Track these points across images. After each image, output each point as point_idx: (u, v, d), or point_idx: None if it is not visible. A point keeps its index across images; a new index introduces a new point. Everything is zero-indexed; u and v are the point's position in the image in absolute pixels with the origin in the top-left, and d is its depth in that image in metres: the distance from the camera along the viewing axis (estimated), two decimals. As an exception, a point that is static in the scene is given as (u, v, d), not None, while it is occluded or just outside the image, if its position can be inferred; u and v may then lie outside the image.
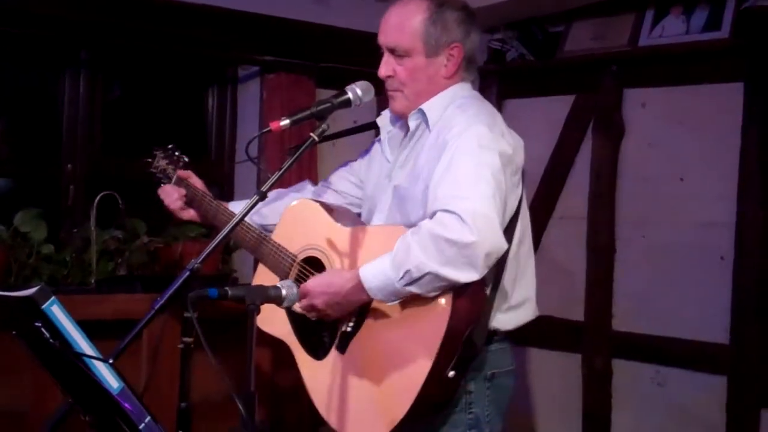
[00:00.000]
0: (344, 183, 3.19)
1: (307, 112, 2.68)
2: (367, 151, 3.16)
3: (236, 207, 3.12)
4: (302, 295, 2.64)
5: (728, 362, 4.10)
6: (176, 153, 3.39)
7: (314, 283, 2.69)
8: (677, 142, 4.35)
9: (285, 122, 2.66)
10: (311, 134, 2.63)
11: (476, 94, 2.91)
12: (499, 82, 5.03)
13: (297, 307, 2.71)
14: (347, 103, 2.75)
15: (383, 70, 2.83)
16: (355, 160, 3.20)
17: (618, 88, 4.57)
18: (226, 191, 4.64)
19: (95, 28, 4.18)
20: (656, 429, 4.40)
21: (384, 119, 2.99)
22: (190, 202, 3.29)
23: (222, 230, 2.56)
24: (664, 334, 4.36)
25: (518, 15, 4.88)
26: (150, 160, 3.42)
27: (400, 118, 2.92)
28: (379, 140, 3.02)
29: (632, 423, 4.51)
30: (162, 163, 3.39)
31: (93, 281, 3.95)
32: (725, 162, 4.12)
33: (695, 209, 4.27)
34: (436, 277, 2.47)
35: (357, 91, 2.76)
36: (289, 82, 4.54)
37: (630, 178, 4.55)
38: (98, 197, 3.99)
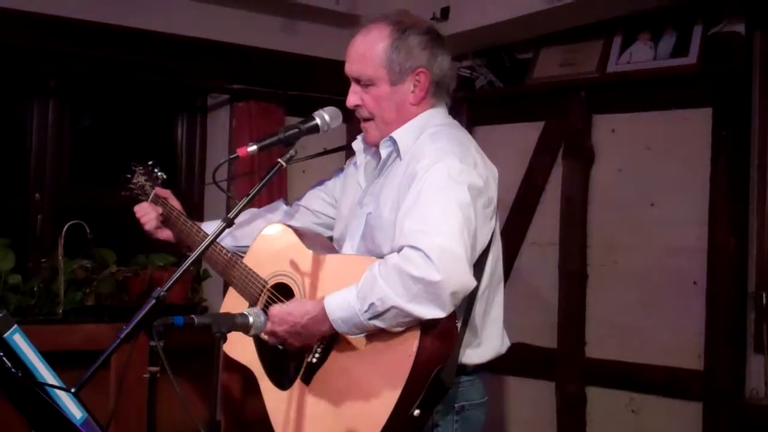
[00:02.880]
0: (318, 202, 3.11)
1: (275, 138, 2.68)
2: (341, 170, 3.09)
3: (211, 228, 3.01)
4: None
5: (702, 388, 4.08)
6: (155, 170, 3.33)
7: (276, 311, 2.62)
8: (647, 168, 4.36)
9: (252, 148, 2.65)
10: (279, 160, 2.62)
11: (451, 121, 2.83)
12: (469, 109, 5.02)
13: (262, 333, 2.66)
14: (315, 128, 2.74)
15: (351, 100, 2.78)
16: (330, 179, 3.13)
17: (587, 114, 4.58)
18: (195, 219, 4.59)
19: (64, 57, 4.17)
20: (631, 456, 4.38)
21: (359, 144, 2.93)
22: (165, 221, 3.24)
23: (191, 255, 2.52)
24: (637, 361, 4.34)
25: (487, 42, 4.90)
26: (129, 175, 3.36)
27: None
28: (356, 164, 2.95)
29: (607, 450, 4.48)
30: (141, 179, 3.33)
31: (61, 311, 3.91)
32: (695, 187, 4.14)
33: (666, 234, 4.27)
34: (401, 312, 2.41)
35: (325, 116, 2.75)
36: (258, 110, 4.55)
37: (601, 203, 4.55)
38: (66, 226, 3.97)
